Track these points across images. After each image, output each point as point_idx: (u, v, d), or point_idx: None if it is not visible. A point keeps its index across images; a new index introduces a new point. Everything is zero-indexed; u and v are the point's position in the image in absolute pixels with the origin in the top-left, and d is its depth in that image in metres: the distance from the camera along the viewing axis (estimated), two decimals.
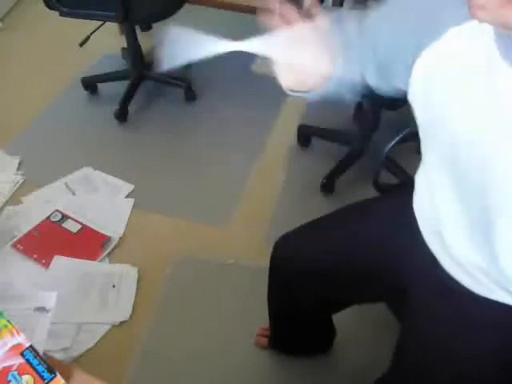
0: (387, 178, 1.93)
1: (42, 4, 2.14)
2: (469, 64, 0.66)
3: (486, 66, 0.64)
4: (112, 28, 2.84)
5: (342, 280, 1.08)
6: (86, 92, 2.56)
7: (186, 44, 0.72)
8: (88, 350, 1.55)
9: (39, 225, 1.88)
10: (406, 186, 1.00)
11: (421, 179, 0.94)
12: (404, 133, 1.50)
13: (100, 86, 2.58)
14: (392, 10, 0.76)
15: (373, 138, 2.06)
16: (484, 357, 0.85)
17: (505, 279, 0.78)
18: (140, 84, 2.48)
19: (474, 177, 0.72)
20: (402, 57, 0.75)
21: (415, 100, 0.77)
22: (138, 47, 2.48)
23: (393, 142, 1.53)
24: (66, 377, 0.73)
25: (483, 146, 0.68)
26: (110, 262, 1.79)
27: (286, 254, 1.16)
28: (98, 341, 1.57)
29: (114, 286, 1.70)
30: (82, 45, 2.45)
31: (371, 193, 1.77)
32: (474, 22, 0.64)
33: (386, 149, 1.56)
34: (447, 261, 0.87)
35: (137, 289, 1.70)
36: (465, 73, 0.67)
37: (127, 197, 2.03)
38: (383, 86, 0.83)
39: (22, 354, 0.72)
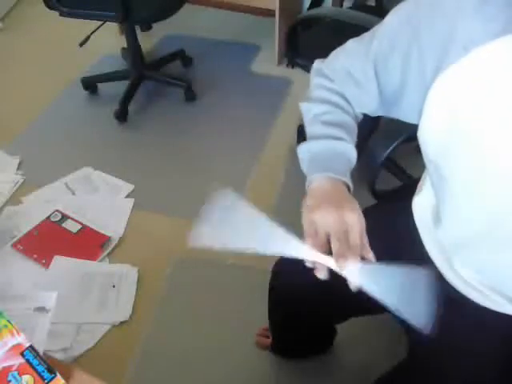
0: (387, 178, 1.93)
1: (42, 4, 2.14)
2: (503, 78, 0.61)
3: None
4: (112, 28, 2.85)
5: (343, 297, 1.08)
6: (86, 92, 2.56)
7: (240, 225, 0.70)
8: (88, 350, 1.55)
9: (39, 225, 1.88)
10: (405, 194, 0.99)
11: (426, 200, 0.91)
12: (404, 136, 1.50)
13: (100, 86, 2.58)
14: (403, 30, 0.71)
15: (372, 139, 2.05)
16: (490, 358, 0.84)
17: None
18: (140, 84, 2.48)
19: (499, 198, 0.68)
20: (413, 84, 0.71)
21: (432, 125, 0.70)
22: (138, 47, 2.48)
23: (393, 146, 1.52)
24: (66, 377, 0.73)
25: None
26: (110, 262, 1.79)
27: (284, 281, 1.14)
28: (98, 341, 1.57)
29: (113, 286, 1.70)
30: (81, 45, 2.45)
31: (370, 194, 1.77)
32: (506, 39, 0.59)
33: (384, 155, 1.55)
34: (452, 278, 0.86)
35: (137, 289, 1.70)
36: (500, 85, 0.61)
37: (127, 197, 2.03)
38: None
39: (22, 354, 0.72)
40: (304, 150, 0.82)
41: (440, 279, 0.88)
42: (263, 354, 1.54)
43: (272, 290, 1.22)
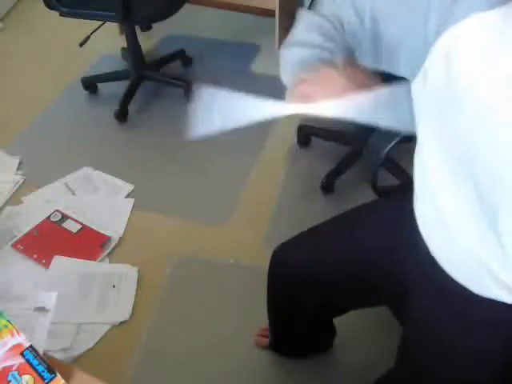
0: (387, 178, 1.93)
1: (42, 4, 2.14)
2: (490, 52, 0.64)
3: None
4: (112, 28, 2.85)
5: (342, 288, 1.08)
6: (86, 92, 2.56)
7: (225, 108, 0.73)
8: (88, 350, 1.55)
9: (39, 225, 1.88)
10: (405, 188, 1.00)
11: (419, 176, 0.93)
12: (401, 136, 1.50)
13: (100, 85, 2.58)
14: None
15: (372, 138, 2.06)
16: (483, 357, 0.85)
17: (506, 273, 0.78)
18: (140, 84, 2.48)
19: (488, 160, 0.70)
20: (414, 36, 0.72)
21: (433, 76, 0.72)
22: (138, 47, 2.48)
23: (391, 144, 1.53)
24: (66, 377, 0.73)
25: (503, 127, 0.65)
26: (110, 262, 1.79)
27: (284, 263, 1.15)
28: (98, 341, 1.57)
29: (114, 286, 1.70)
30: (81, 45, 2.45)
31: (371, 193, 1.77)
32: (501, 10, 0.62)
33: (385, 151, 1.56)
34: (447, 260, 0.87)
35: (137, 289, 1.70)
36: (485, 60, 0.65)
37: (127, 197, 2.03)
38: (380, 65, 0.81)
39: (22, 354, 0.72)
40: (287, 57, 0.82)
41: (433, 266, 0.88)
42: (263, 353, 1.54)
43: (271, 273, 1.22)
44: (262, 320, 1.46)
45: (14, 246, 1.80)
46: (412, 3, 0.72)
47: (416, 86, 0.75)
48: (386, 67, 0.80)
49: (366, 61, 0.81)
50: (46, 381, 0.70)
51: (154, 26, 2.99)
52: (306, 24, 0.83)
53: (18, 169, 2.14)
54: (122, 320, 1.62)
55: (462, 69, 0.67)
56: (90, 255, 1.79)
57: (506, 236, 0.73)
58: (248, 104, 0.71)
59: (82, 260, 1.77)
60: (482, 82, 0.66)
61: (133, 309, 1.65)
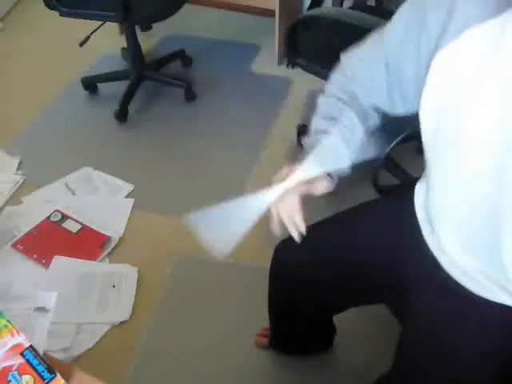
0: (387, 178, 1.93)
1: (42, 4, 2.14)
2: (488, 63, 0.64)
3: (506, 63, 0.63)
4: (112, 28, 2.85)
5: (342, 287, 1.08)
6: (86, 92, 2.56)
7: (223, 222, 0.80)
8: (88, 350, 1.55)
9: (39, 225, 1.88)
10: (406, 187, 1.00)
11: (423, 184, 0.93)
12: (404, 134, 1.50)
13: (100, 86, 2.58)
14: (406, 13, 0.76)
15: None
16: (484, 357, 0.85)
17: (507, 282, 0.78)
18: (140, 84, 2.48)
19: (484, 182, 0.70)
20: (414, 58, 0.74)
21: (429, 100, 0.74)
22: (138, 47, 2.48)
23: (393, 144, 1.53)
24: (66, 377, 0.73)
25: (495, 148, 0.66)
26: (110, 262, 1.79)
27: (285, 260, 1.15)
28: (98, 341, 1.57)
29: (114, 286, 1.70)
30: (81, 45, 2.45)
31: (371, 193, 1.77)
32: (496, 21, 0.62)
33: (386, 150, 1.56)
34: (447, 263, 0.87)
35: (137, 289, 1.70)
36: (483, 72, 0.65)
37: (127, 197, 2.03)
38: (411, 104, 0.83)
39: (22, 354, 0.72)
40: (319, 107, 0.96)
41: (436, 267, 0.88)
42: (263, 353, 1.54)
43: (272, 272, 1.22)
44: (262, 320, 1.46)
45: (14, 246, 1.80)
46: (412, 32, 0.73)
47: (422, 109, 0.76)
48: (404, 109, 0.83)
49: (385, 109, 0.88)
50: (45, 381, 0.70)
51: (154, 26, 3.00)
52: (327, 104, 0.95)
53: (18, 169, 2.14)
54: (122, 320, 1.62)
55: (460, 79, 0.68)
56: (90, 255, 1.79)
57: (508, 259, 0.74)
58: (239, 211, 0.82)
59: (82, 260, 1.77)
60: (482, 89, 0.66)
61: (133, 309, 1.65)
